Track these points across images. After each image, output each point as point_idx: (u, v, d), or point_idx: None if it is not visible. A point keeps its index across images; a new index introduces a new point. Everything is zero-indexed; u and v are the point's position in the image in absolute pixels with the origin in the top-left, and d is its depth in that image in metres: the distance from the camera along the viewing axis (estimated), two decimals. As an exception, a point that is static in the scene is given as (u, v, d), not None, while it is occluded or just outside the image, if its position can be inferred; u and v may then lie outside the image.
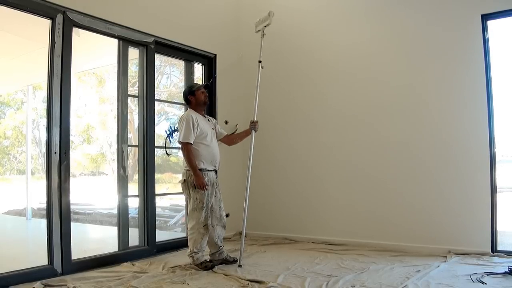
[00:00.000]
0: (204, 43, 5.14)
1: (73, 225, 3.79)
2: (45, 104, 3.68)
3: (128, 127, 4.46)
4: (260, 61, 4.20)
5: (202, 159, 3.78)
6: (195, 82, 5.12)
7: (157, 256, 4.29)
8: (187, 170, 3.78)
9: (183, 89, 4.14)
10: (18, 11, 3.47)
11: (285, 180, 5.30)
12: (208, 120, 4.02)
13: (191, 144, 3.73)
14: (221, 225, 3.94)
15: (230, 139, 4.23)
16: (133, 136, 5.69)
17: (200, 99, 3.95)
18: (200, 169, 3.74)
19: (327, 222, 4.94)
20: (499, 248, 4.03)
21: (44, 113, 3.70)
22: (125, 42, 4.31)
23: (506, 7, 4.02)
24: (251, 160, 4.11)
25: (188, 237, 3.82)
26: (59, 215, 3.59)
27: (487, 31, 4.14)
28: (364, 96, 4.76)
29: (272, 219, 5.34)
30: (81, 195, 9.48)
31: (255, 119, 4.13)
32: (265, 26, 4.22)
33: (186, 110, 4.84)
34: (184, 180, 3.81)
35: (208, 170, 3.82)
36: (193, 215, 3.77)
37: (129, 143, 4.47)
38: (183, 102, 5.15)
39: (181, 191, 3.95)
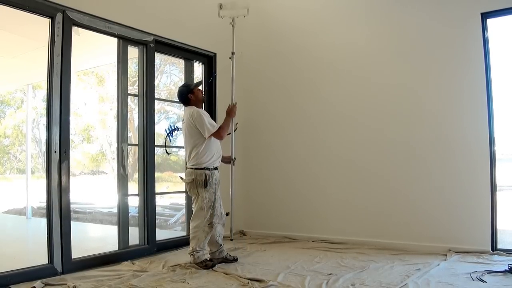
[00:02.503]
0: (204, 42, 5.14)
1: (73, 224, 3.80)
2: (45, 103, 3.68)
3: (128, 126, 4.46)
4: (233, 53, 4.13)
5: (211, 157, 3.81)
6: (190, 81, 5.13)
7: (157, 255, 4.29)
8: (195, 168, 3.78)
9: (178, 89, 4.10)
10: (18, 10, 3.46)
11: (285, 179, 5.30)
12: None
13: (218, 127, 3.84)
14: (222, 223, 3.93)
15: None
16: (133, 135, 5.70)
17: (199, 96, 3.99)
18: (207, 168, 3.77)
19: (327, 220, 4.95)
20: (499, 246, 4.03)
21: (44, 112, 3.71)
22: (124, 41, 4.31)
23: (506, 5, 4.01)
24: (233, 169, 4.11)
25: (190, 235, 3.81)
26: (59, 214, 3.59)
27: (486, 29, 4.13)
28: (364, 95, 4.76)
29: (272, 218, 5.34)
30: (81, 194, 9.50)
31: (234, 102, 4.11)
32: (237, 17, 4.11)
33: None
34: (193, 179, 3.80)
35: (215, 169, 3.85)
36: (200, 214, 3.77)
37: (129, 142, 4.47)
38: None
39: (181, 189, 3.95)
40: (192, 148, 3.82)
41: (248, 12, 4.06)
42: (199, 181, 3.76)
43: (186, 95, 3.97)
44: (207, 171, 3.76)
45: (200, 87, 4.04)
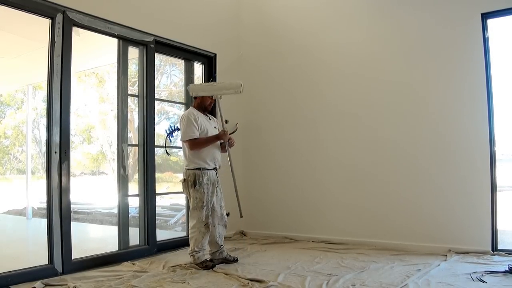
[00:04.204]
0: (204, 42, 5.14)
1: (73, 224, 3.80)
2: (45, 104, 3.68)
3: (128, 127, 4.46)
4: (226, 121, 4.10)
5: (203, 157, 3.78)
6: (190, 82, 5.12)
7: (157, 256, 4.29)
8: (187, 169, 3.79)
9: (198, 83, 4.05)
10: (18, 11, 3.46)
11: (286, 179, 5.30)
12: (210, 119, 4.02)
13: (196, 138, 3.74)
14: (222, 224, 3.94)
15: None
16: (133, 135, 5.69)
17: (205, 103, 3.95)
18: (199, 168, 3.75)
19: (328, 221, 4.94)
20: (499, 247, 4.03)
21: (44, 112, 3.71)
22: (125, 41, 4.31)
23: (506, 5, 4.01)
24: (234, 172, 4.04)
25: (189, 236, 3.82)
26: (59, 215, 3.59)
27: (487, 29, 4.14)
28: (364, 95, 4.76)
29: (273, 218, 5.34)
30: (81, 195, 9.49)
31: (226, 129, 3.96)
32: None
33: (186, 109, 4.86)
34: (184, 179, 3.81)
35: (208, 169, 3.82)
36: (194, 214, 3.77)
37: (129, 143, 4.47)
38: (183, 101, 5.18)
39: (181, 190, 3.95)
40: (184, 148, 3.84)
41: (242, 87, 3.87)
42: (189, 181, 3.77)
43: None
44: (197, 171, 3.75)
45: (212, 96, 3.93)
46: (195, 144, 3.74)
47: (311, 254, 4.20)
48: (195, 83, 5.09)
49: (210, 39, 5.22)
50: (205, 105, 3.95)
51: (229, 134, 3.99)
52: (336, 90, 4.97)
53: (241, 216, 4.18)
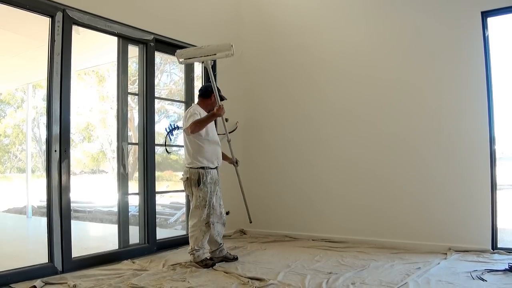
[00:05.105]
0: (204, 40, 5.10)
1: (73, 223, 3.80)
2: (45, 102, 3.68)
3: (128, 125, 4.46)
4: (226, 119, 4.07)
5: (207, 156, 3.78)
6: (190, 79, 5.11)
7: (157, 254, 4.29)
8: (190, 167, 3.78)
9: (207, 84, 3.97)
10: (18, 9, 3.46)
11: (285, 178, 5.30)
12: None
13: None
14: (221, 223, 3.94)
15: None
16: (133, 134, 5.69)
17: (212, 105, 3.89)
18: (203, 167, 3.74)
19: (328, 219, 4.95)
20: (499, 245, 4.03)
21: (44, 111, 3.71)
22: (125, 40, 4.30)
23: (506, 4, 4.01)
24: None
25: (189, 235, 3.82)
26: (59, 213, 3.59)
27: (487, 28, 4.13)
28: (365, 93, 4.76)
29: (273, 217, 5.34)
30: (81, 193, 9.48)
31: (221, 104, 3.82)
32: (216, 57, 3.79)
33: (185, 107, 4.86)
34: (187, 177, 3.79)
35: (211, 168, 3.82)
36: (196, 213, 3.77)
37: (129, 141, 4.47)
38: (183, 100, 5.17)
39: (181, 188, 3.95)
40: (186, 146, 3.82)
41: (233, 49, 3.67)
42: (193, 179, 3.75)
43: (207, 90, 3.90)
44: (201, 170, 3.75)
45: (221, 103, 3.82)
46: (195, 124, 3.62)
47: (311, 253, 4.21)
48: (195, 82, 5.09)
49: (210, 37, 5.20)
50: (209, 106, 3.90)
51: (229, 133, 3.98)
52: (337, 88, 4.97)
53: (250, 222, 4.24)
